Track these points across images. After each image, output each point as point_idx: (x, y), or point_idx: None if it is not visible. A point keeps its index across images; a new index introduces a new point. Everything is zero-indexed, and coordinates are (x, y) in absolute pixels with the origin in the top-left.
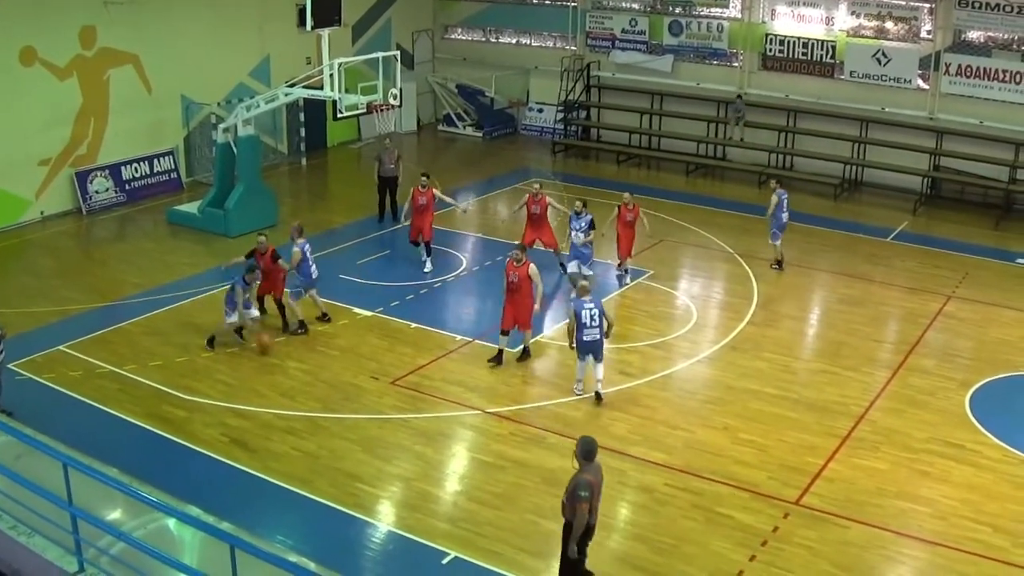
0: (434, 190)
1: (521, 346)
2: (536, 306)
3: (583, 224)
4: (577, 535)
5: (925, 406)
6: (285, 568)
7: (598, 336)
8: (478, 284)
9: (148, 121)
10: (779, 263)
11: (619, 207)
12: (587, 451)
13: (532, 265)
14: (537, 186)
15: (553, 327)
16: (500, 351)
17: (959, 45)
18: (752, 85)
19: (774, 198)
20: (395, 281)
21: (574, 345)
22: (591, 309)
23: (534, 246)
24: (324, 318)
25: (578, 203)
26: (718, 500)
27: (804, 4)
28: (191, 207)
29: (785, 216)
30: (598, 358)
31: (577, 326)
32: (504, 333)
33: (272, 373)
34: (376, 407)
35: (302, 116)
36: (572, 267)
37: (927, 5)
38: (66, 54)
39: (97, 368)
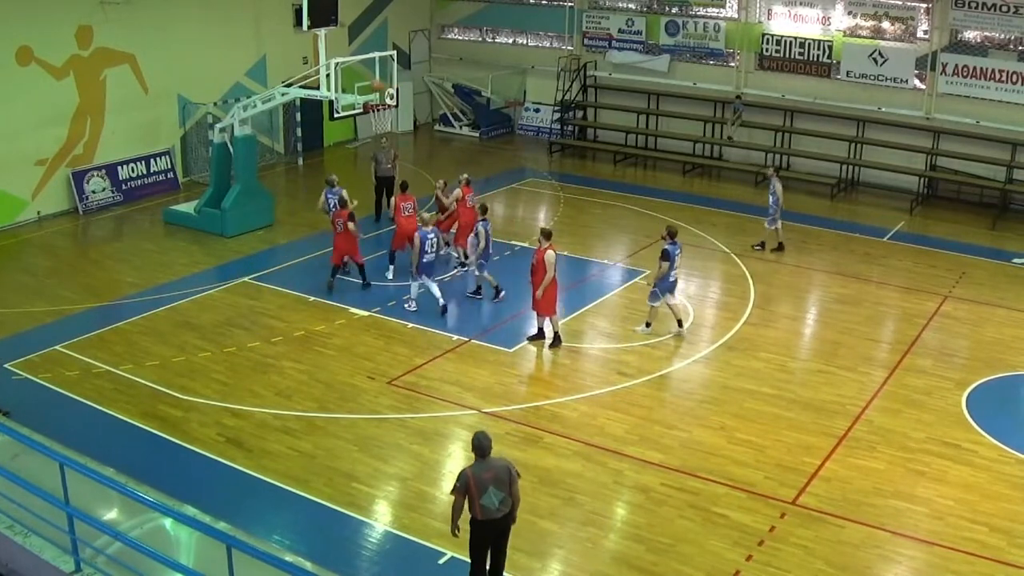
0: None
1: (545, 332)
2: (537, 292)
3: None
4: (452, 523)
5: (921, 406)
6: (281, 568)
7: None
8: (476, 284)
9: (145, 121)
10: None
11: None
12: (475, 447)
13: (549, 251)
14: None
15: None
16: (540, 329)
17: (956, 45)
18: (749, 85)
19: (779, 186)
20: (392, 281)
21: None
22: (432, 239)
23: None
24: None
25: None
26: (715, 500)
27: (801, 4)
28: (188, 207)
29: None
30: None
31: (421, 251)
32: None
33: (268, 373)
34: (373, 407)
35: (299, 116)
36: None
37: (924, 5)
38: (62, 54)
39: (94, 368)
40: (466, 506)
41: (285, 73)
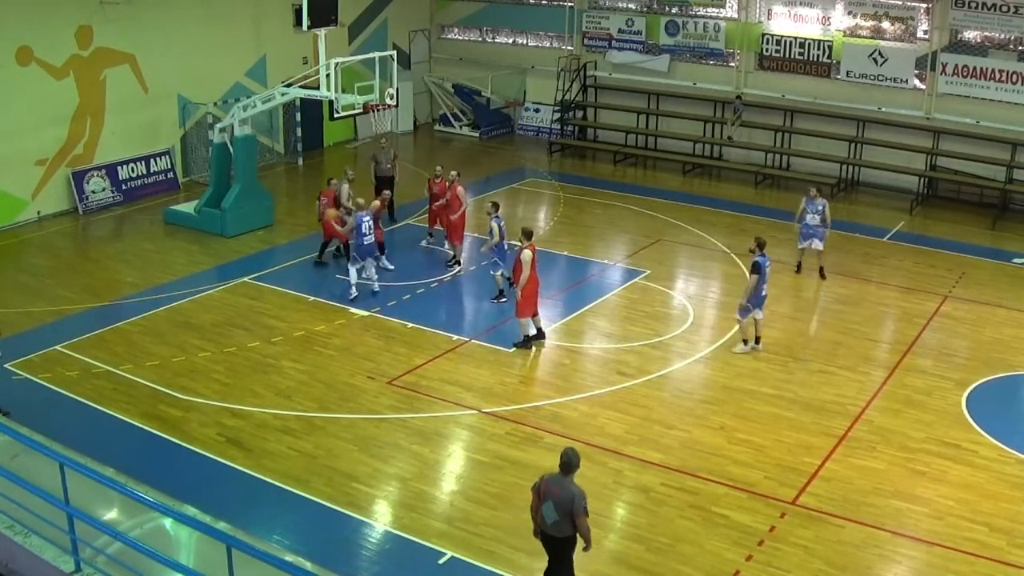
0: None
1: (528, 333)
2: (517, 291)
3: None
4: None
5: (921, 406)
6: (281, 568)
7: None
8: (475, 284)
9: (145, 121)
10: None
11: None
12: (563, 462)
13: (526, 251)
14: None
15: (545, 329)
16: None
17: (956, 45)
18: (748, 85)
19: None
20: (392, 281)
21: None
22: (368, 221)
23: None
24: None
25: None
26: (714, 500)
27: (801, 4)
28: (188, 207)
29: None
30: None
31: (358, 234)
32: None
33: (268, 373)
34: (372, 407)
35: (298, 116)
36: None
37: (924, 5)
38: (62, 54)
39: (94, 368)
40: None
41: (285, 73)
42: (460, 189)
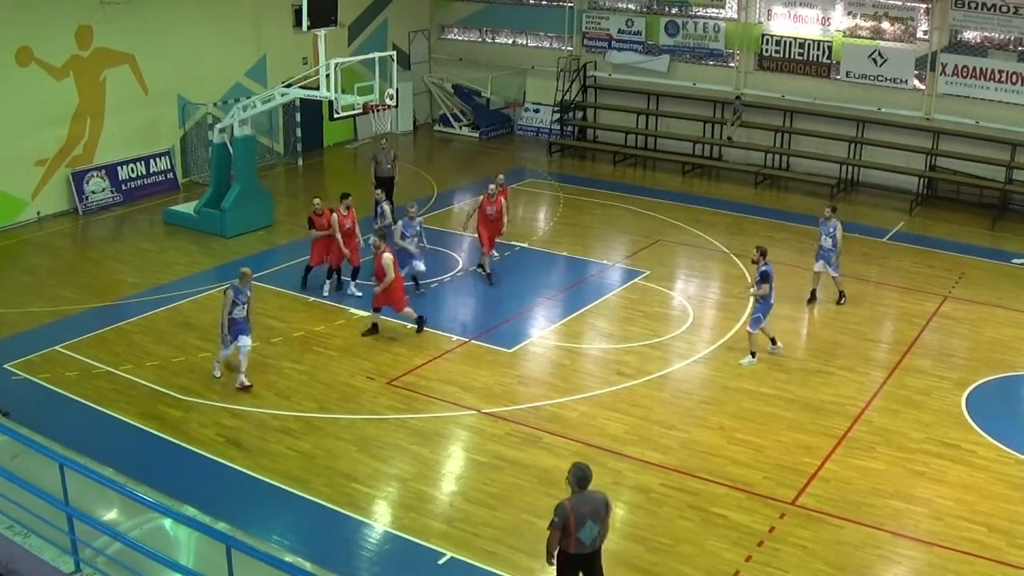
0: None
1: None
2: (378, 289)
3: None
4: (548, 555)
5: (921, 406)
6: (281, 568)
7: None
8: (474, 284)
9: (144, 121)
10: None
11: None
12: (578, 479)
13: (386, 255)
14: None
15: (544, 329)
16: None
17: (955, 45)
18: (748, 85)
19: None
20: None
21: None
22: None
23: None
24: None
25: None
26: (714, 500)
27: (800, 4)
28: (187, 207)
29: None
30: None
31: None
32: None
33: (268, 373)
34: (372, 407)
35: (298, 116)
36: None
37: (923, 5)
38: (62, 54)
39: (93, 368)
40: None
41: (285, 73)
42: (504, 200)
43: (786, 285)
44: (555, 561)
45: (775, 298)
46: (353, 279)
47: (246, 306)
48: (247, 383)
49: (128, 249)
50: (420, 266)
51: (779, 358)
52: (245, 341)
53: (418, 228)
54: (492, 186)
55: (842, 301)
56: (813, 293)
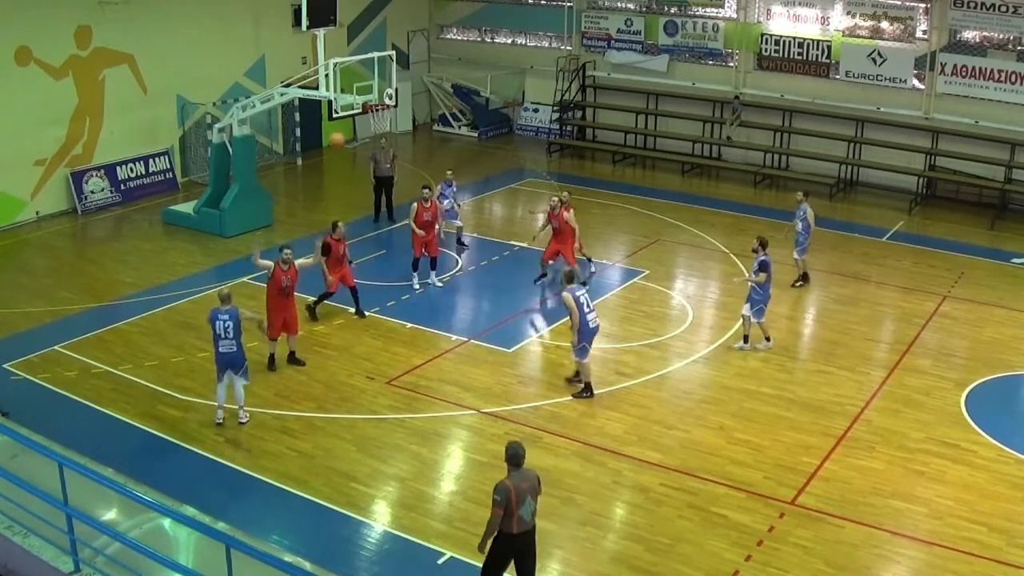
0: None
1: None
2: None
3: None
4: (486, 537)
5: (920, 406)
6: (280, 568)
7: None
8: (474, 284)
9: (143, 121)
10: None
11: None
12: (511, 456)
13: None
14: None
15: (544, 329)
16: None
17: (955, 45)
18: (747, 85)
19: (811, 212)
20: (391, 281)
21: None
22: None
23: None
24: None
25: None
26: (714, 500)
27: (800, 4)
28: (187, 207)
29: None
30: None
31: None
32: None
33: (267, 373)
34: (372, 407)
35: (297, 116)
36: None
37: (922, 5)
38: (61, 54)
39: (93, 368)
40: None
41: (284, 73)
42: (566, 214)
43: (785, 284)
44: (486, 547)
45: (773, 293)
46: (432, 269)
47: (235, 340)
48: (245, 420)
49: (127, 249)
50: (457, 222)
51: (779, 358)
52: (238, 384)
53: (455, 188)
54: (555, 198)
55: (798, 284)
56: (804, 276)
